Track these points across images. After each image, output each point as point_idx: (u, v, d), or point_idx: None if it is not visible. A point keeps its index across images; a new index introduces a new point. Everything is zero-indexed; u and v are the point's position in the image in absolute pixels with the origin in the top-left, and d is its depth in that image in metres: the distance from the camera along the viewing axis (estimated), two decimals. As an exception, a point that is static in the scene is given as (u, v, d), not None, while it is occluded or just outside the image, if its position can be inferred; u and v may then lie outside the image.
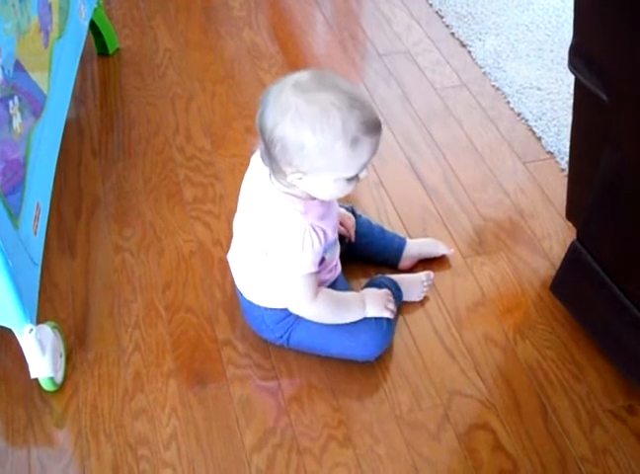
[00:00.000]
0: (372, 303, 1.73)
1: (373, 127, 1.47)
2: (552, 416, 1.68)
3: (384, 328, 1.73)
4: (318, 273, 1.67)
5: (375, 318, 1.73)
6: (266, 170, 1.59)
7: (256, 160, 1.66)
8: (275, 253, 1.61)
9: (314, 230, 1.55)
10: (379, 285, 1.80)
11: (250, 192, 1.67)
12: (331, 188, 1.52)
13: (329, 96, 1.43)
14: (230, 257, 1.80)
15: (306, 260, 1.57)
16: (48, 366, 1.64)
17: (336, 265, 1.76)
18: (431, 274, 1.91)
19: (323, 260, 1.66)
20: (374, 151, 1.50)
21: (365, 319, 1.72)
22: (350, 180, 1.52)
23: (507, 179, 2.22)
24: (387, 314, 1.73)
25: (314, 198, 1.57)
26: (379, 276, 1.87)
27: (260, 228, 1.63)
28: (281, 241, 1.57)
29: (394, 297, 1.79)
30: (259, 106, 1.50)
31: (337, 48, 2.70)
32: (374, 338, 1.72)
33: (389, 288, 1.81)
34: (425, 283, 1.89)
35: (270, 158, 1.51)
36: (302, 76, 1.47)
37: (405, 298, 1.87)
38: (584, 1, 1.51)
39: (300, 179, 1.50)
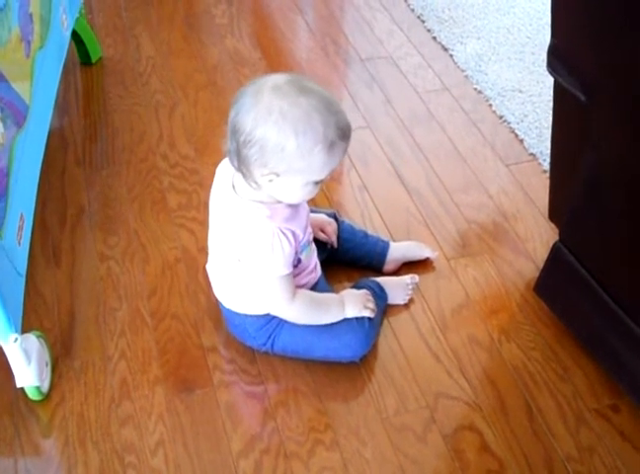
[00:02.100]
0: (351, 303, 1.74)
1: (348, 133, 1.51)
2: (538, 416, 1.69)
3: (366, 327, 1.74)
4: (297, 276, 1.69)
5: (356, 318, 1.74)
6: (229, 180, 1.61)
7: (220, 171, 1.68)
8: (247, 259, 1.62)
9: (282, 233, 1.56)
10: (363, 288, 1.81)
11: (217, 203, 1.69)
12: (299, 191, 1.54)
13: (310, 100, 1.46)
14: (208, 268, 1.81)
15: (278, 262, 1.58)
16: (34, 375, 1.64)
17: (315, 267, 1.77)
18: (415, 276, 1.92)
19: (299, 261, 1.67)
20: (344, 156, 1.54)
21: (346, 320, 1.73)
22: (317, 183, 1.54)
23: (489, 181, 2.23)
24: (367, 313, 1.74)
25: (280, 202, 1.59)
26: (363, 279, 1.88)
27: (230, 237, 1.64)
28: (251, 246, 1.59)
29: (376, 298, 1.80)
30: (232, 107, 1.51)
31: (319, 54, 2.71)
32: (357, 338, 1.73)
33: (372, 290, 1.82)
34: (409, 286, 1.90)
35: (239, 159, 1.51)
36: (279, 79, 1.48)
37: (390, 301, 1.87)
38: (560, 2, 1.52)
39: (271, 181, 1.51)
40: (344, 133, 1.49)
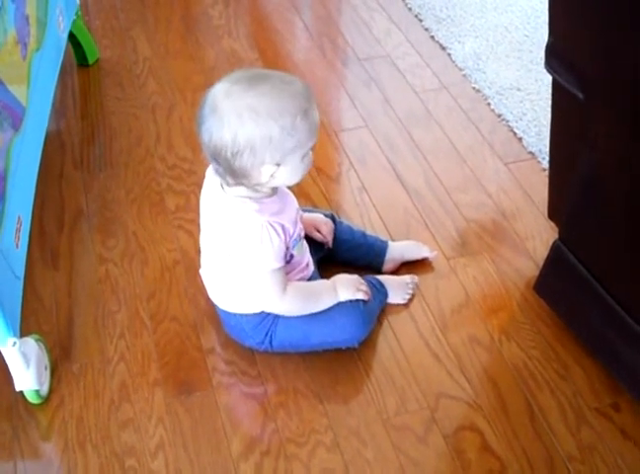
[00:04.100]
0: (344, 286, 1.74)
1: (310, 93, 1.54)
2: (539, 415, 1.68)
3: (361, 309, 1.74)
4: (289, 272, 1.70)
5: (350, 301, 1.74)
6: (217, 180, 1.63)
7: (209, 174, 1.68)
8: (237, 254, 1.63)
9: (271, 226, 1.58)
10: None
11: (207, 204, 1.69)
12: (300, 167, 1.57)
13: (267, 84, 1.49)
14: (202, 272, 1.81)
15: (268, 255, 1.59)
16: (33, 379, 1.64)
17: (307, 265, 1.77)
18: (415, 277, 1.92)
19: (292, 257, 1.68)
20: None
21: (340, 303, 1.73)
22: (311, 150, 1.57)
23: (488, 180, 2.22)
24: (360, 295, 1.74)
25: (270, 196, 1.61)
26: (363, 275, 1.87)
27: (220, 235, 1.65)
28: (241, 240, 1.60)
29: (375, 291, 1.80)
30: (199, 136, 1.53)
31: (317, 54, 2.70)
32: (351, 320, 1.73)
33: (372, 283, 1.82)
34: (409, 286, 1.90)
35: (235, 174, 1.53)
36: (224, 87, 1.50)
37: (389, 300, 1.87)
38: (557, 1, 1.52)
39: (273, 174, 1.53)
40: (307, 95, 1.52)
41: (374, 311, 1.82)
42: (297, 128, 1.49)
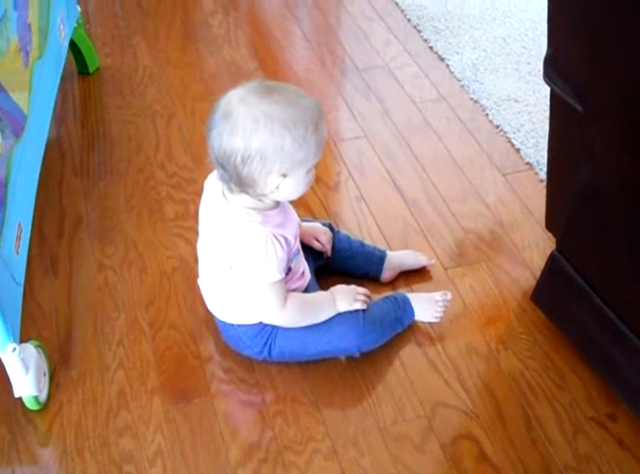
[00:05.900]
0: (342, 298, 1.75)
1: (320, 107, 1.55)
2: (535, 425, 1.69)
3: (360, 319, 1.74)
4: (286, 282, 1.69)
5: (350, 312, 1.74)
6: (219, 190, 1.62)
7: (209, 184, 1.69)
8: (239, 264, 1.63)
9: (275, 237, 1.58)
10: (390, 300, 1.83)
11: (208, 214, 1.69)
12: (303, 181, 1.57)
13: (282, 95, 1.50)
14: (200, 282, 1.82)
15: (271, 267, 1.60)
16: (32, 385, 1.64)
17: (303, 273, 1.78)
18: (447, 293, 1.88)
19: (289, 270, 1.69)
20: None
21: (339, 313, 1.74)
22: (315, 167, 1.58)
23: (486, 190, 2.23)
24: (358, 305, 1.75)
25: (273, 208, 1.61)
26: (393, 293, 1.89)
27: (222, 244, 1.65)
28: (245, 251, 1.60)
29: (394, 304, 1.82)
30: (209, 142, 1.53)
31: (316, 64, 2.72)
32: (350, 328, 1.73)
33: (395, 299, 1.83)
34: (439, 303, 1.86)
35: (241, 182, 1.53)
36: (239, 93, 1.50)
37: (418, 317, 1.85)
38: (557, 13, 1.53)
39: (278, 186, 1.53)
40: (319, 110, 1.53)
41: (381, 322, 1.79)
42: (308, 141, 1.49)
